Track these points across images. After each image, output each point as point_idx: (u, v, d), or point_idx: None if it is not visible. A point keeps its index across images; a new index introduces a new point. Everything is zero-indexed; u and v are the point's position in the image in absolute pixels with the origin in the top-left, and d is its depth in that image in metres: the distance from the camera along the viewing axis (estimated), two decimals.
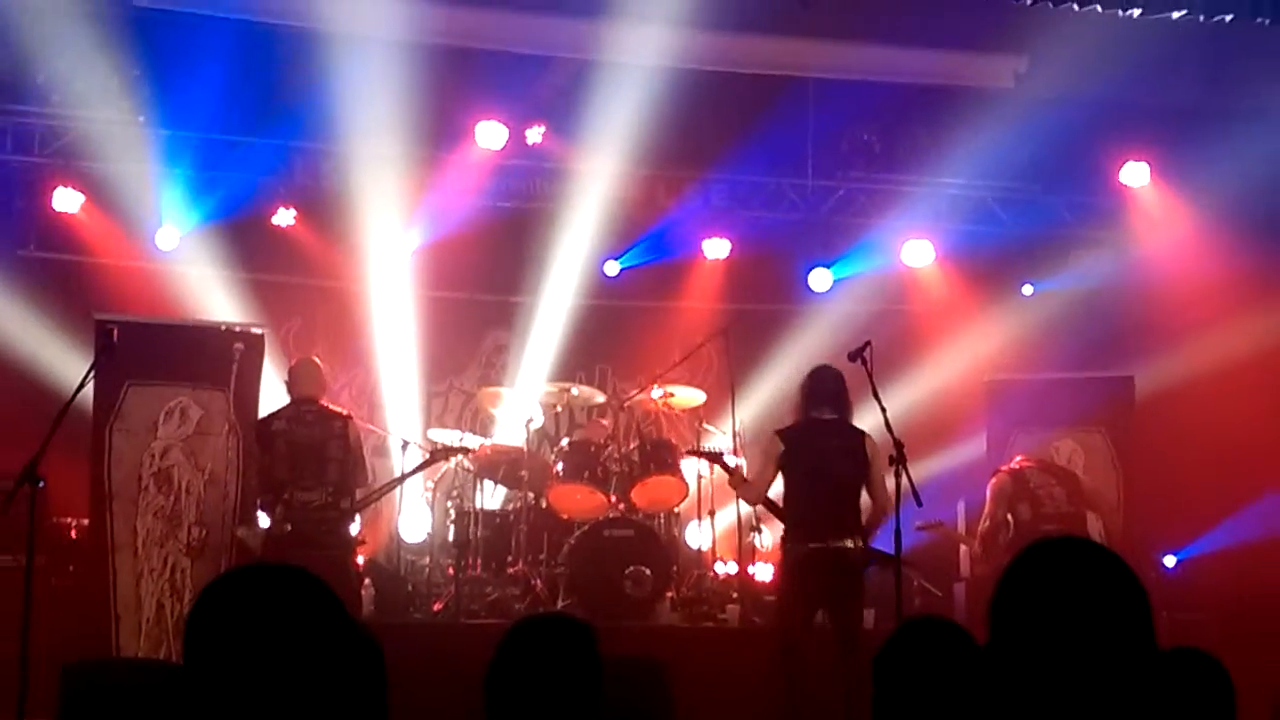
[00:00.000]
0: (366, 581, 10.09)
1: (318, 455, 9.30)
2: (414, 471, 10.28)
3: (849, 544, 8.17)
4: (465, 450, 10.54)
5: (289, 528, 9.16)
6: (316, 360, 9.87)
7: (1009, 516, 10.21)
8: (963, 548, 11.10)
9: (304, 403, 9.50)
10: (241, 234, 11.86)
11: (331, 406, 9.64)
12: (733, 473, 9.01)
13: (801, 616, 8.22)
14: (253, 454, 9.55)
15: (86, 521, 10.06)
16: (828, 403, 8.36)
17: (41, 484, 7.33)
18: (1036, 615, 2.59)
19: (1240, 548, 11.13)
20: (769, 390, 12.24)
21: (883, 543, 8.07)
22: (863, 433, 8.44)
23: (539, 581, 10.43)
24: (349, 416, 9.63)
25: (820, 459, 8.28)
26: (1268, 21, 9.26)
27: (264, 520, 9.39)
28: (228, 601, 2.46)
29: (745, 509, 10.54)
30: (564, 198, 12.18)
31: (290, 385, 9.60)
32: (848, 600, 8.26)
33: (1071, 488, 10.47)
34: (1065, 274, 12.66)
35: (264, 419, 9.59)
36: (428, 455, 10.43)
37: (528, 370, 12.39)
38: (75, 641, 8.89)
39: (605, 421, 11.64)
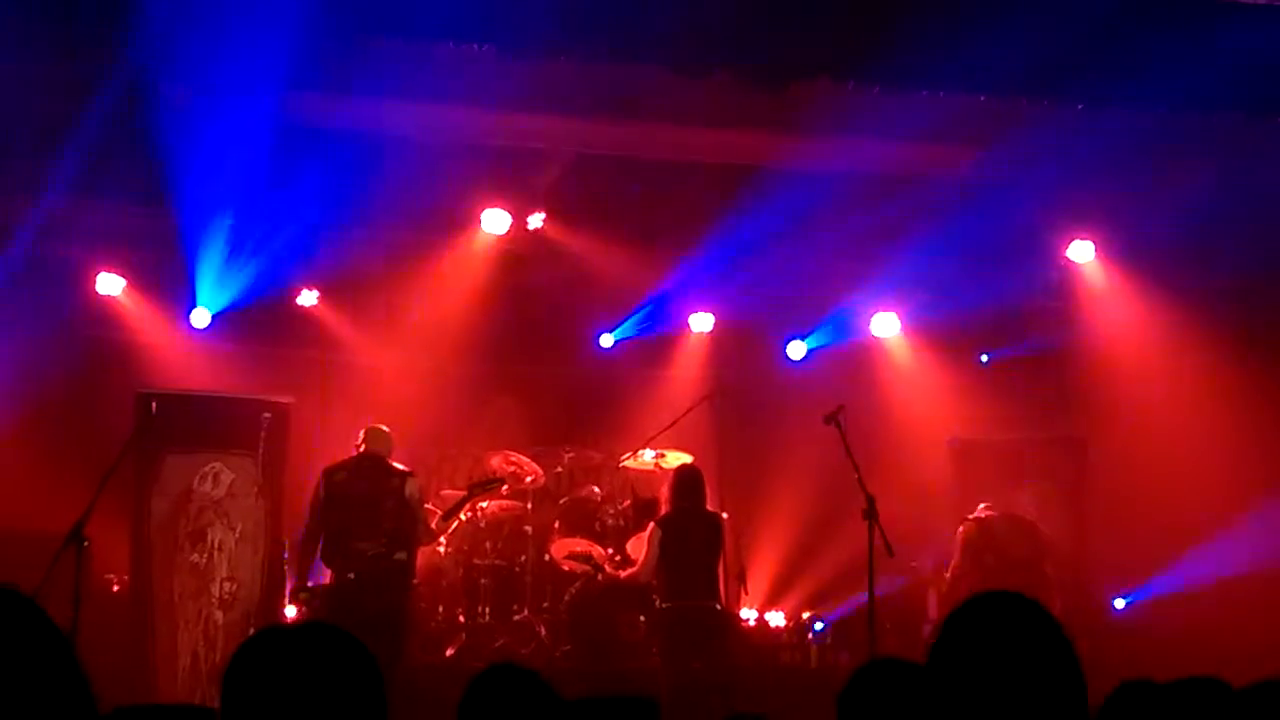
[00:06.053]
0: None
1: (372, 507, 9.12)
2: (455, 509, 10.00)
3: (714, 604, 9.12)
4: (501, 482, 10.47)
5: (351, 576, 8.90)
6: (385, 429, 9.45)
7: (975, 562, 10.20)
8: (930, 592, 11.07)
9: (367, 457, 9.23)
10: (268, 313, 11.89)
11: (395, 464, 9.24)
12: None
13: (678, 662, 8.95)
14: (317, 504, 9.15)
15: (128, 578, 10.04)
16: (689, 496, 9.18)
17: (86, 543, 7.34)
18: (967, 663, 2.62)
19: (1181, 593, 11.12)
20: (752, 451, 12.28)
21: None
22: (719, 515, 9.38)
23: (543, 629, 10.40)
24: (409, 474, 9.21)
25: (690, 539, 9.08)
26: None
27: (325, 572, 9.14)
28: (258, 659, 2.47)
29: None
30: (562, 277, 12.25)
31: (363, 441, 9.28)
32: (714, 645, 9.08)
33: (1031, 536, 10.46)
34: (1019, 342, 12.72)
35: (328, 469, 9.20)
36: (468, 491, 10.13)
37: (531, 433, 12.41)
38: (118, 688, 8.83)
39: (596, 489, 11.60)
